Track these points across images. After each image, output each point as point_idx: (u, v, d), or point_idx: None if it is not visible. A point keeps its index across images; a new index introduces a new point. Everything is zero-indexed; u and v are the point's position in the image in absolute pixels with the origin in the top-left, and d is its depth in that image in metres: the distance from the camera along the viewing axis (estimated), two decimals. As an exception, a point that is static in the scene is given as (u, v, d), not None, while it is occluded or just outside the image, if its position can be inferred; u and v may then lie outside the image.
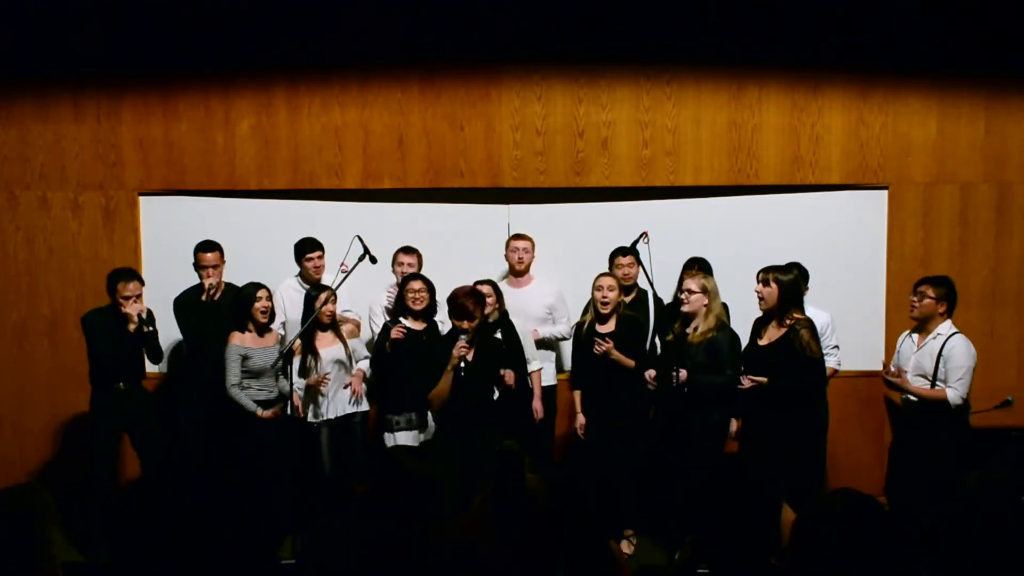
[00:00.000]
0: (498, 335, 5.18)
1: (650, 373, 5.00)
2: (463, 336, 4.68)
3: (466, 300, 4.71)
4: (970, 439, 4.68)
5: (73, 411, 5.82)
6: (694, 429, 4.77)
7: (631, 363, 5.01)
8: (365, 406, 5.31)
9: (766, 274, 4.69)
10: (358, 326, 5.55)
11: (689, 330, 4.87)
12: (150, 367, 5.37)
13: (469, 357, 4.70)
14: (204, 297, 5.29)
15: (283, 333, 5.38)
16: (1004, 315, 5.92)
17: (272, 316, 5.15)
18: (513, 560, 2.42)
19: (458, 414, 4.77)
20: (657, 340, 5.36)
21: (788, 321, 4.61)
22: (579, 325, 5.26)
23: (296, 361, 5.03)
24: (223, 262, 5.41)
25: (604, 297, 5.04)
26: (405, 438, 5.09)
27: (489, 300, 5.11)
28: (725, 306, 5.30)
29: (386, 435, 5.13)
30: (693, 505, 4.50)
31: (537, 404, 5.27)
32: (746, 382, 4.62)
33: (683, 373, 4.73)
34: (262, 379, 5.00)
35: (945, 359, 4.58)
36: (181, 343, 5.69)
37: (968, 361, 4.58)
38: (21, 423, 6.02)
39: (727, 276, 5.46)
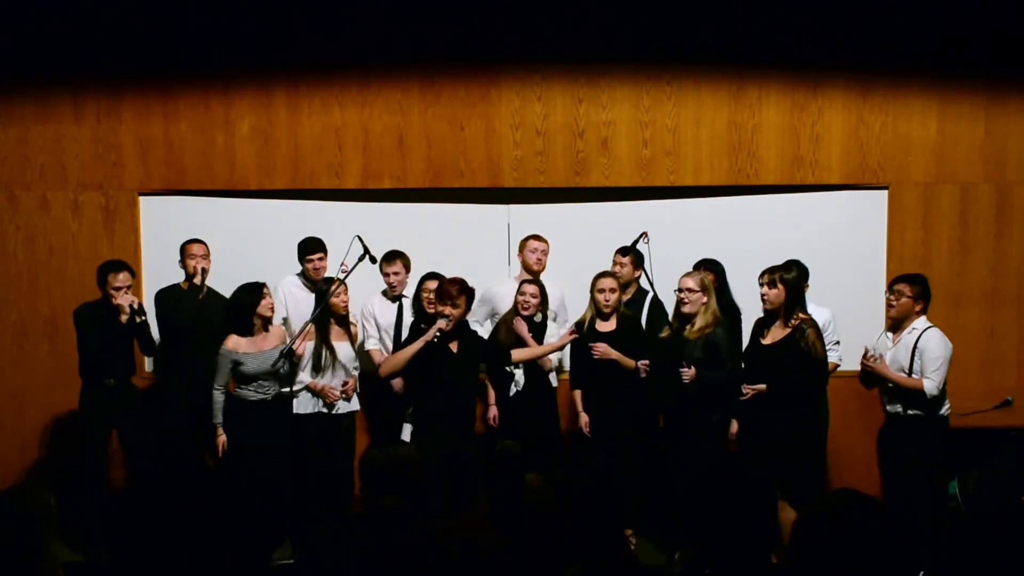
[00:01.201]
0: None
1: (643, 363, 4.98)
2: (445, 318, 4.69)
3: (451, 286, 4.72)
4: (944, 440, 4.64)
5: (73, 411, 5.80)
6: (693, 429, 4.78)
7: (631, 363, 5.02)
8: (355, 407, 5.31)
9: (771, 275, 4.67)
10: (356, 331, 5.52)
11: (688, 327, 4.87)
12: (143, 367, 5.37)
13: (453, 350, 4.72)
14: (198, 280, 5.27)
15: (286, 330, 5.37)
16: (1004, 315, 5.91)
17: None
18: (517, 560, 2.42)
19: (440, 410, 4.77)
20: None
21: (794, 321, 4.60)
22: (579, 325, 5.25)
23: (308, 354, 5.04)
24: (209, 257, 5.39)
25: (607, 299, 5.04)
26: (408, 431, 5.12)
27: (534, 301, 5.13)
28: (737, 310, 5.30)
29: (404, 426, 5.22)
30: (693, 505, 4.51)
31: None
32: (747, 391, 4.63)
33: (691, 370, 4.72)
34: (257, 382, 4.97)
35: (920, 351, 4.56)
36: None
37: (944, 352, 4.56)
38: (21, 423, 6.02)
39: (727, 276, 5.47)
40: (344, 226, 5.44)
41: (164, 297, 5.37)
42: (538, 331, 5.19)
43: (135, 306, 5.00)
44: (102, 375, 5.08)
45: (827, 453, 5.20)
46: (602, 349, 4.98)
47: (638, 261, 5.33)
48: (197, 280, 5.28)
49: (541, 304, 5.19)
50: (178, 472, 5.21)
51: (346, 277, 5.07)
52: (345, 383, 5.15)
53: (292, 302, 5.50)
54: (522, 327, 5.09)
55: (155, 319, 5.32)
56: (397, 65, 5.83)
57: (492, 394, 5.27)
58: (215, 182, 5.92)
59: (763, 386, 4.59)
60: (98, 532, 4.87)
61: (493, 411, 5.26)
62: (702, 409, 4.77)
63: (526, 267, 5.54)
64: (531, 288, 5.18)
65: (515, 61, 5.82)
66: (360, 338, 5.53)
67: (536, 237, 5.58)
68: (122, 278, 4.98)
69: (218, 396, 4.90)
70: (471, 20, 5.76)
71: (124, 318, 4.95)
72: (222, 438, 4.91)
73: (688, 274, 4.96)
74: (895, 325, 4.75)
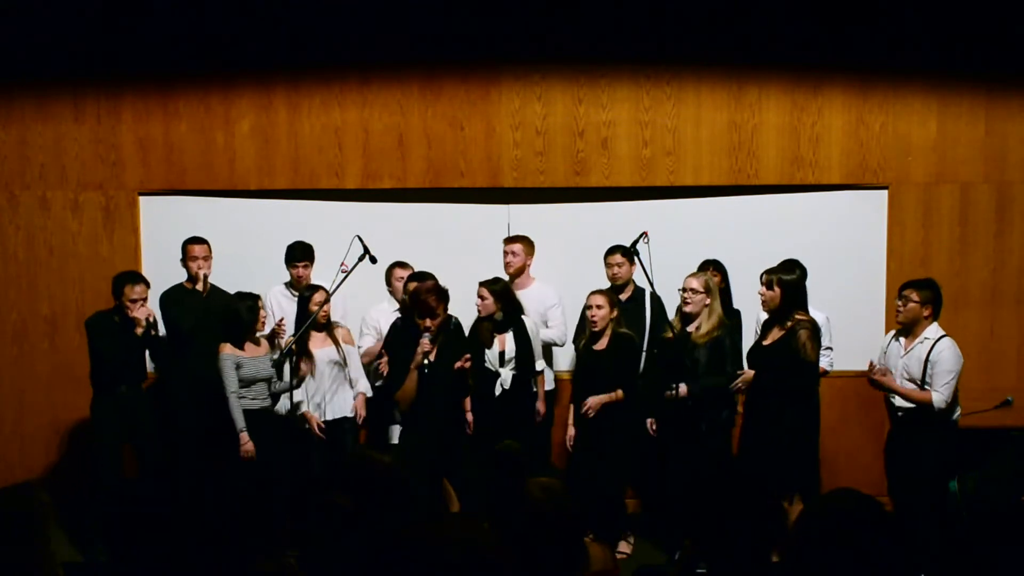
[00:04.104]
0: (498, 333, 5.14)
1: (651, 423, 5.04)
2: (426, 334, 4.65)
3: (428, 297, 4.67)
4: (956, 443, 4.64)
5: (73, 411, 5.82)
6: (704, 429, 4.78)
7: (619, 396, 4.96)
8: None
9: (769, 276, 4.69)
10: (349, 333, 5.49)
11: (692, 328, 4.87)
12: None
13: (432, 356, 4.69)
14: (200, 287, 5.28)
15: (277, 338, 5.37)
16: (1004, 315, 5.91)
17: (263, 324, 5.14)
18: (516, 561, 2.42)
19: (422, 415, 4.75)
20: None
21: (790, 323, 4.61)
22: (576, 342, 5.25)
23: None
24: (211, 256, 5.40)
25: (593, 315, 5.00)
26: (398, 432, 5.10)
27: (484, 302, 5.08)
28: (738, 312, 5.31)
29: (391, 428, 5.15)
30: (694, 504, 4.50)
31: (540, 404, 5.26)
32: (738, 384, 4.71)
33: (683, 388, 4.75)
34: (254, 388, 4.95)
35: (932, 363, 4.53)
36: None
37: (955, 366, 4.52)
38: (21, 423, 6.02)
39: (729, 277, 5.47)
40: (344, 226, 5.44)
41: (169, 297, 5.37)
42: (500, 330, 5.13)
43: (151, 319, 4.98)
44: (114, 383, 5.07)
45: (824, 453, 5.19)
46: (591, 404, 4.94)
47: (630, 258, 5.32)
48: (199, 286, 5.29)
49: (500, 303, 5.09)
50: (184, 472, 5.20)
51: (346, 277, 5.06)
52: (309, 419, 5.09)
53: (279, 311, 5.50)
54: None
55: (160, 319, 5.32)
56: (397, 65, 5.83)
57: (468, 401, 5.14)
58: (215, 182, 5.92)
59: (750, 372, 4.67)
60: (99, 532, 4.86)
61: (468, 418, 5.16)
62: (710, 409, 4.78)
63: (505, 270, 5.55)
64: (481, 291, 5.13)
65: (515, 61, 5.82)
66: (356, 342, 5.49)
67: (508, 240, 5.60)
68: (139, 290, 4.96)
69: (235, 402, 4.86)
70: (471, 20, 5.76)
71: (140, 331, 4.93)
72: (248, 445, 4.84)
73: (693, 274, 4.97)
74: (906, 331, 4.71)
